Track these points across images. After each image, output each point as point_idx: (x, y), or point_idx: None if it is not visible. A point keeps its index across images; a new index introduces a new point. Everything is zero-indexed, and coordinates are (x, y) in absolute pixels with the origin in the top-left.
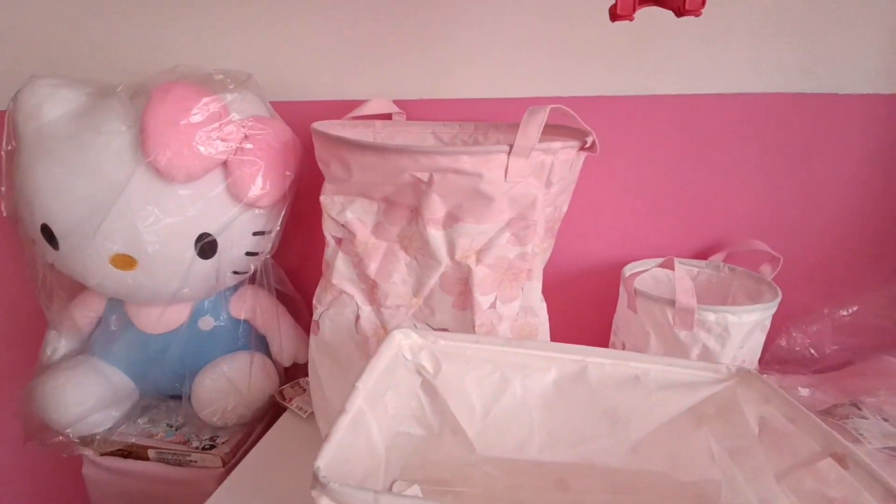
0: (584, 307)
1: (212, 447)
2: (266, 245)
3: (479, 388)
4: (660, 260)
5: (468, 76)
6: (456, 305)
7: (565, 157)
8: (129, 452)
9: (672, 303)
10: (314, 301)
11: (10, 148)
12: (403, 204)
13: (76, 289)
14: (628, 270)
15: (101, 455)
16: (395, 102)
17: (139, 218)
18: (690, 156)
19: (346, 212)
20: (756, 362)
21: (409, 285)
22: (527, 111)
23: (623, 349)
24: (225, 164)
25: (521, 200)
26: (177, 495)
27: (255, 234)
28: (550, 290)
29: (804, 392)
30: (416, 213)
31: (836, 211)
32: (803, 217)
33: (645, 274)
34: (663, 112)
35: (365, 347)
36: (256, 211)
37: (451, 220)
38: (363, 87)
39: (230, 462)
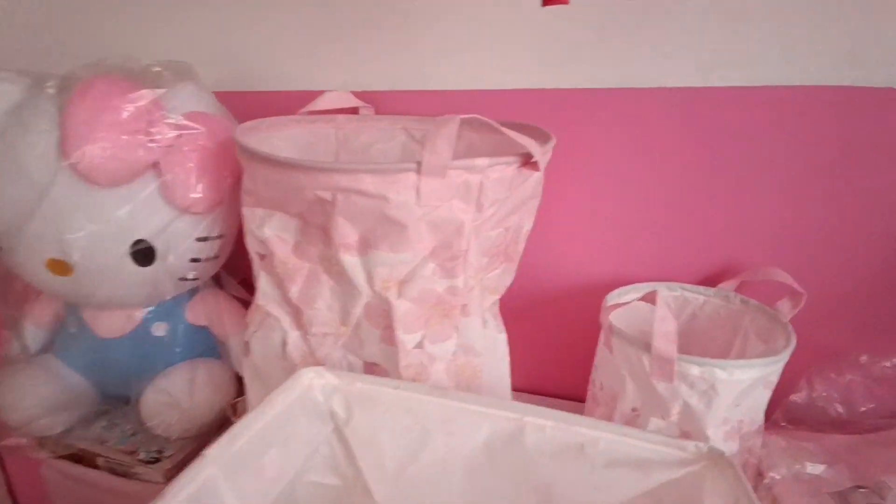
0: (565, 338)
1: (156, 461)
2: (212, 251)
3: (394, 443)
4: (648, 286)
5: (444, 65)
6: (384, 340)
7: (499, 176)
8: (80, 458)
9: (649, 347)
10: (247, 319)
11: None
12: (316, 223)
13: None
14: (612, 299)
15: (56, 458)
16: (364, 94)
17: (65, 223)
18: (701, 162)
19: (264, 227)
20: (760, 422)
21: (335, 312)
22: (433, 123)
23: (601, 391)
24: (155, 165)
25: (443, 227)
26: None
27: (198, 239)
28: (522, 319)
29: (815, 470)
30: (329, 236)
31: (882, 236)
32: (838, 242)
33: (640, 301)
34: (669, 108)
35: None
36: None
37: (366, 245)
38: (330, 77)
39: (173, 477)
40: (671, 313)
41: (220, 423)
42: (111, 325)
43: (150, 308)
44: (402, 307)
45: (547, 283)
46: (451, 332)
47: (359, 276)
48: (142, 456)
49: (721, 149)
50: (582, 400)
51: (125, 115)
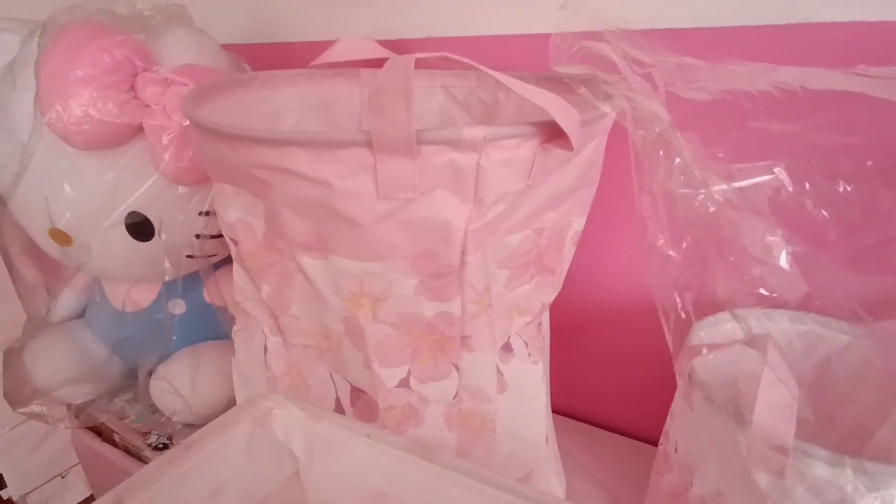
0: (635, 364)
1: (165, 447)
2: (218, 227)
3: None
4: (759, 314)
5: (495, 4)
6: (367, 366)
7: (507, 156)
8: (100, 432)
9: (747, 421)
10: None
11: None
12: (271, 210)
13: None
14: (700, 332)
15: (79, 429)
16: (394, 43)
17: (50, 190)
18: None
19: (230, 208)
20: None
21: (314, 320)
22: (385, 64)
23: (676, 452)
24: (142, 127)
25: (422, 230)
26: None
27: (200, 213)
28: (577, 334)
29: None
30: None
31: None
32: None
33: (741, 346)
34: (816, 47)
35: (274, 389)
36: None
37: (325, 247)
38: (358, 24)
39: None
40: (789, 370)
41: None
42: (124, 299)
43: (166, 284)
44: (376, 333)
45: (613, 293)
46: (449, 369)
47: (323, 285)
48: (152, 440)
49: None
50: (653, 442)
51: (102, 67)
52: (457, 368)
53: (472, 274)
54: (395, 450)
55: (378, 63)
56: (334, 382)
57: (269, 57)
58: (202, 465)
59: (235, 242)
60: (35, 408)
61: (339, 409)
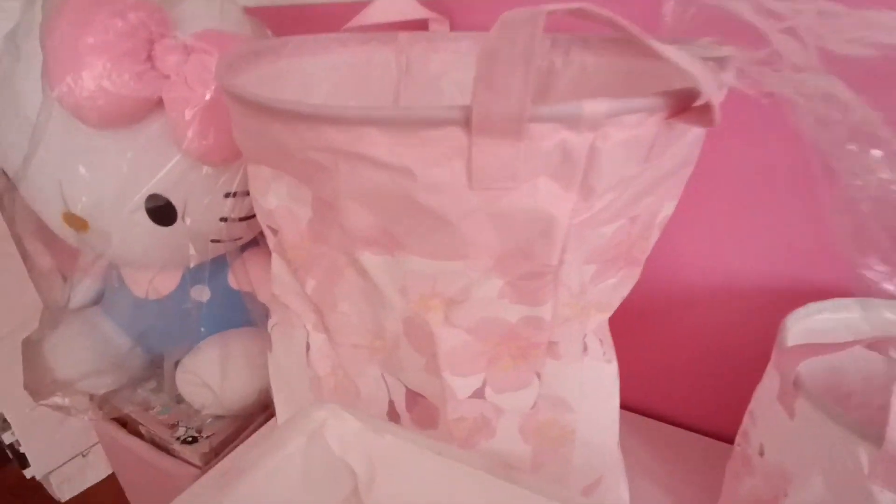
0: (706, 357)
1: (194, 440)
2: (245, 208)
3: None
4: (858, 303)
5: None
6: (430, 371)
7: (629, 136)
8: (125, 423)
9: (876, 438)
10: (265, 302)
11: None
12: (325, 199)
13: None
14: (795, 325)
15: (103, 420)
16: (437, 2)
17: (63, 171)
18: None
19: (269, 193)
20: None
21: (366, 318)
22: (499, 20)
23: (761, 456)
24: (160, 101)
25: (518, 225)
26: (158, 485)
27: (227, 195)
28: (644, 324)
29: None
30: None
31: None
32: None
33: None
34: None
35: (318, 390)
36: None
37: (393, 243)
38: None
39: (213, 461)
40: None
41: (265, 403)
42: (145, 286)
43: (190, 270)
44: (450, 339)
45: (677, 278)
46: (530, 378)
47: (386, 283)
48: (180, 433)
49: None
50: (724, 439)
51: (115, 33)
52: (538, 377)
53: (567, 274)
54: (472, 468)
55: (417, 25)
56: (387, 385)
57: (293, 21)
58: (257, 491)
59: (275, 231)
60: (58, 400)
61: (392, 413)
